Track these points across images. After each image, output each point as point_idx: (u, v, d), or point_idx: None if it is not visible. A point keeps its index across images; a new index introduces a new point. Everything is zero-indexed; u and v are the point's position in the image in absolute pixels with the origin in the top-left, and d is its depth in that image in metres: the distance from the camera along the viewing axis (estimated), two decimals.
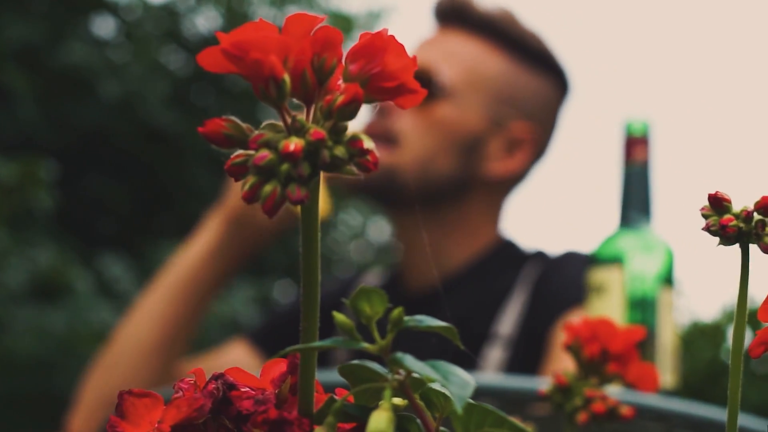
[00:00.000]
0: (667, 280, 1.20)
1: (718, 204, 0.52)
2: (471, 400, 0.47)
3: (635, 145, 1.23)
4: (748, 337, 0.50)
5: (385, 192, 1.49)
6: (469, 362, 1.38)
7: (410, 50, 0.46)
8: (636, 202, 1.23)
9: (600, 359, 0.76)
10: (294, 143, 0.42)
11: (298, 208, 0.44)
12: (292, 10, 4.81)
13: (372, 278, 1.61)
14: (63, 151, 4.18)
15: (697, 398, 1.05)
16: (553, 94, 1.55)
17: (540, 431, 0.90)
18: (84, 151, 4.33)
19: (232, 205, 1.51)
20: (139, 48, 4.59)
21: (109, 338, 1.55)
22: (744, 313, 0.51)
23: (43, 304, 3.52)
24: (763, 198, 0.51)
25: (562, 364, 1.20)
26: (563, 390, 0.75)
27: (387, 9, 5.50)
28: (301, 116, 0.44)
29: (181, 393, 0.47)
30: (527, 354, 1.40)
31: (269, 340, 1.54)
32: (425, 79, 1.48)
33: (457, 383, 0.40)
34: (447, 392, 0.43)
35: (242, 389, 0.47)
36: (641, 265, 1.20)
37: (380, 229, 6.00)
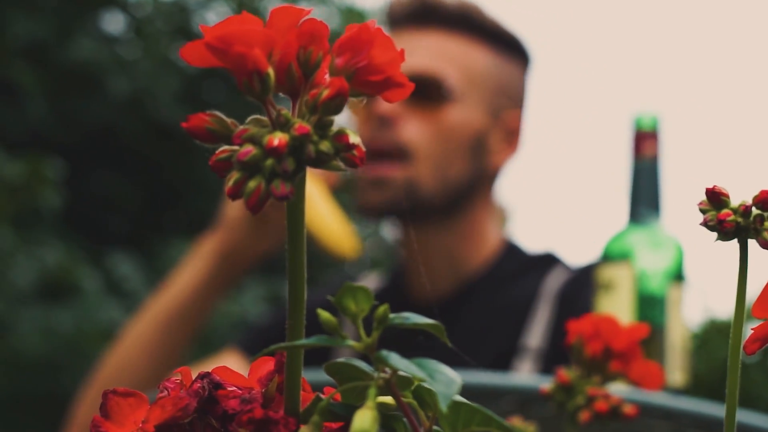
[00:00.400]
0: (677, 276, 1.19)
1: (715, 198, 0.51)
2: (464, 400, 0.46)
3: (644, 140, 1.22)
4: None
5: (409, 210, 1.46)
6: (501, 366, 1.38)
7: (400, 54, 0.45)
8: (645, 197, 1.21)
9: (603, 357, 0.75)
10: (278, 138, 0.41)
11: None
12: (305, 6, 4.81)
13: (370, 282, 1.59)
14: (71, 149, 4.18)
15: (714, 397, 1.04)
16: (524, 76, 1.55)
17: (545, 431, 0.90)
18: (93, 149, 4.33)
19: (226, 238, 1.49)
20: (148, 44, 4.58)
21: (115, 339, 1.55)
22: (742, 310, 0.50)
23: (50, 303, 3.52)
24: (762, 192, 0.51)
25: None
26: (565, 388, 0.74)
27: None
28: (287, 111, 0.43)
29: (166, 392, 0.46)
30: (558, 366, 1.38)
31: (260, 347, 1.53)
32: (435, 86, 1.46)
33: (442, 381, 0.40)
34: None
35: (229, 388, 0.46)
36: (650, 262, 1.18)
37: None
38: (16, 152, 3.45)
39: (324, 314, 0.42)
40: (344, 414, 0.43)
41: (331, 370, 0.44)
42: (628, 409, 0.73)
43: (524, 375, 1.38)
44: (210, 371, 0.47)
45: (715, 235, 0.50)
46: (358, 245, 1.44)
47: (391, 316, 0.42)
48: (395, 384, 0.42)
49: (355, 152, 0.43)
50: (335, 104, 0.42)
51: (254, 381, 0.47)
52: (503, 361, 1.41)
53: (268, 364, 0.47)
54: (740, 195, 0.52)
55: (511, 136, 1.53)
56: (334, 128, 0.43)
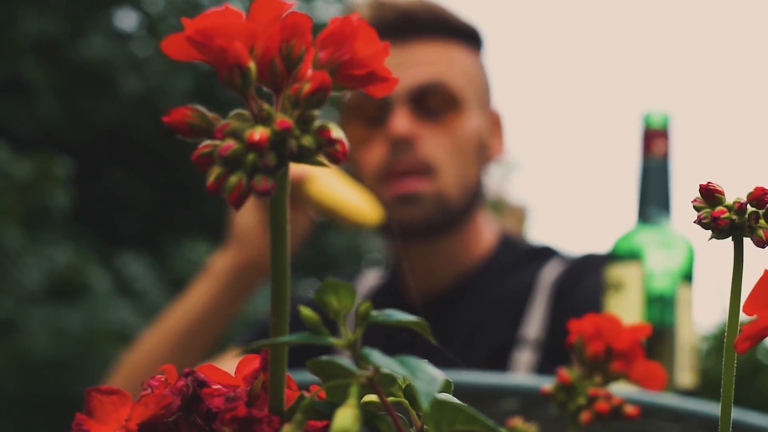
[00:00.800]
0: (687, 276, 1.18)
1: (710, 195, 0.50)
2: (450, 398, 0.45)
3: (654, 138, 1.21)
4: None
5: (439, 223, 1.46)
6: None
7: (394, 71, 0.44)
8: (655, 197, 1.20)
9: (604, 357, 0.75)
10: (259, 133, 0.41)
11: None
12: (320, 2, 4.80)
13: (371, 279, 1.59)
14: (83, 147, 4.17)
15: (735, 396, 1.02)
16: (485, 62, 1.55)
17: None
18: (104, 147, 4.32)
19: (238, 253, 1.47)
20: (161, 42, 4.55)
21: (126, 344, 1.55)
22: (738, 309, 0.49)
23: (59, 303, 3.51)
24: (757, 189, 0.50)
25: None
26: (567, 388, 0.73)
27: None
28: (269, 105, 0.42)
29: (150, 390, 0.46)
30: (557, 355, 1.38)
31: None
32: (445, 96, 1.45)
33: (424, 379, 0.39)
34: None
35: (214, 386, 0.46)
36: (660, 262, 1.17)
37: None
38: (27, 151, 3.45)
39: (306, 311, 0.42)
40: (328, 412, 0.43)
41: (314, 368, 0.43)
42: (630, 409, 0.72)
43: (527, 375, 1.38)
44: (194, 369, 0.46)
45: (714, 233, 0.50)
46: (379, 212, 1.44)
47: (374, 313, 0.41)
48: (379, 382, 0.41)
49: (337, 147, 0.42)
50: (317, 98, 0.42)
51: (240, 379, 0.47)
52: (502, 354, 1.41)
53: (254, 362, 0.47)
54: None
55: (497, 129, 1.54)
56: (318, 123, 0.42)
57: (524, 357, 1.40)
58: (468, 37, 1.51)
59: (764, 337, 0.43)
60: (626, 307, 1.15)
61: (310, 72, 0.43)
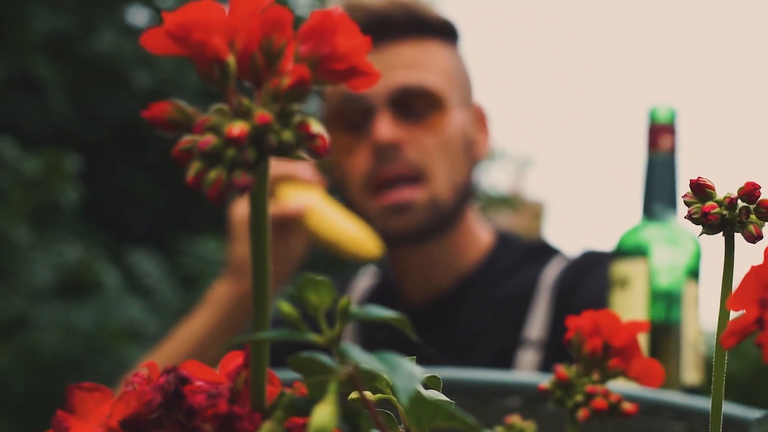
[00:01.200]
0: (694, 273, 1.17)
1: (700, 191, 0.50)
2: (441, 395, 0.45)
3: (660, 133, 1.20)
4: None
5: (432, 228, 1.44)
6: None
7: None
8: (661, 192, 1.20)
9: (602, 354, 0.74)
10: (238, 127, 0.41)
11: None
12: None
13: (366, 280, 1.58)
14: (93, 144, 4.16)
15: (745, 395, 1.02)
16: (463, 55, 1.53)
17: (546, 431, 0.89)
18: (115, 144, 4.31)
19: (236, 283, 1.45)
20: None
21: (140, 339, 1.55)
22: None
23: (69, 300, 3.51)
24: (747, 184, 0.49)
25: None
26: (564, 386, 0.73)
27: None
28: (249, 100, 0.42)
29: (132, 387, 0.45)
30: (561, 355, 1.38)
31: None
32: (427, 98, 1.43)
33: (403, 375, 0.39)
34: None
35: (196, 383, 0.45)
36: (666, 258, 1.17)
37: None
38: (37, 147, 3.45)
39: (285, 307, 0.42)
40: (309, 409, 0.43)
41: (295, 365, 0.43)
42: (628, 407, 0.72)
43: (530, 373, 1.37)
44: (177, 366, 0.46)
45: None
46: (377, 243, 1.42)
47: (353, 309, 0.41)
48: (359, 378, 0.41)
49: (317, 141, 0.42)
50: (297, 93, 0.42)
51: (224, 376, 0.47)
52: (506, 355, 1.40)
53: (237, 359, 0.47)
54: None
55: (482, 123, 1.52)
56: (298, 118, 0.42)
57: (528, 357, 1.39)
58: (444, 32, 1.48)
59: (750, 332, 0.43)
60: (632, 304, 1.15)
61: (291, 66, 0.43)
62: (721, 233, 0.50)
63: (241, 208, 1.45)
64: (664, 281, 1.16)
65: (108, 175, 4.28)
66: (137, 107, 4.38)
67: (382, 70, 1.45)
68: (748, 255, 0.50)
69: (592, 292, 1.38)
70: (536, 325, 1.41)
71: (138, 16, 4.73)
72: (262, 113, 0.41)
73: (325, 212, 1.41)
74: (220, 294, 1.47)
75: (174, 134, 0.43)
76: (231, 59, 0.42)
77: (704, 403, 0.94)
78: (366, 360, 0.39)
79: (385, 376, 0.40)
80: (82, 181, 3.48)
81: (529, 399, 0.93)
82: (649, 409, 0.93)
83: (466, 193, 1.47)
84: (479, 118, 1.52)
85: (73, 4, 4.08)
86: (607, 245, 1.47)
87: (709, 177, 0.51)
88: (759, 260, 0.45)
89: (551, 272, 1.45)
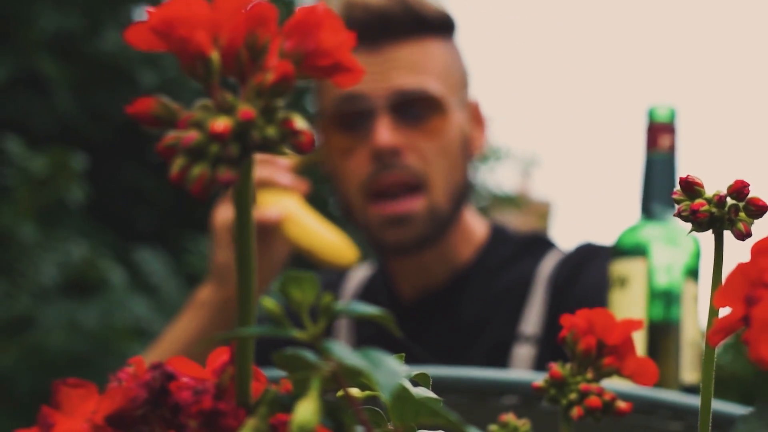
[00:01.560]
0: (693, 272, 1.17)
1: (689, 188, 0.50)
2: (436, 394, 0.45)
3: (660, 132, 1.20)
4: None
5: (431, 236, 1.42)
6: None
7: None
8: (660, 192, 1.19)
9: (596, 352, 0.74)
10: (222, 123, 0.41)
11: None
12: None
13: (362, 271, 1.57)
14: (99, 142, 4.17)
15: (748, 394, 1.02)
16: (459, 48, 1.49)
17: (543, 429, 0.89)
18: (121, 142, 4.32)
19: (219, 287, 1.43)
20: None
21: (146, 337, 1.55)
22: None
23: (75, 298, 3.51)
24: (736, 182, 0.49)
25: None
26: (558, 384, 0.73)
27: None
28: (233, 96, 0.42)
29: (118, 383, 0.45)
30: (557, 350, 1.37)
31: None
32: (426, 102, 1.41)
33: (385, 372, 0.39)
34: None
35: (182, 380, 0.45)
36: (666, 257, 1.16)
37: None
38: (44, 146, 3.45)
39: (269, 303, 0.42)
40: (293, 405, 0.42)
41: (280, 362, 0.43)
42: (622, 405, 0.71)
43: (528, 371, 1.37)
44: (163, 362, 0.46)
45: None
46: (356, 250, 1.42)
47: (337, 306, 0.41)
48: (342, 374, 0.41)
49: (301, 138, 0.42)
50: (281, 88, 0.42)
51: (210, 372, 0.47)
52: (502, 349, 1.39)
53: (224, 355, 0.47)
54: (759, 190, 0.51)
55: (478, 119, 1.50)
56: (282, 114, 0.42)
57: (524, 351, 1.39)
58: (442, 26, 1.45)
59: (736, 329, 0.43)
60: (631, 303, 1.14)
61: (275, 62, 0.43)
62: (711, 231, 0.50)
63: (222, 214, 1.43)
64: (664, 280, 1.16)
65: (114, 174, 4.29)
66: None
67: (382, 72, 1.43)
68: (740, 253, 0.50)
69: (588, 286, 1.37)
70: (532, 320, 1.40)
71: (144, 16, 4.74)
72: (246, 109, 0.41)
73: (302, 219, 1.40)
74: (204, 297, 1.45)
75: (159, 130, 0.43)
76: (215, 55, 0.42)
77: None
78: (348, 356, 0.39)
79: (368, 372, 0.40)
80: (88, 180, 3.49)
81: (525, 397, 0.93)
82: (647, 408, 0.93)
83: (463, 194, 1.45)
84: (475, 115, 1.50)
85: (79, 4, 4.09)
86: (601, 240, 1.47)
87: (708, 176, 0.51)
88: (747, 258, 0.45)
89: (547, 266, 1.44)
